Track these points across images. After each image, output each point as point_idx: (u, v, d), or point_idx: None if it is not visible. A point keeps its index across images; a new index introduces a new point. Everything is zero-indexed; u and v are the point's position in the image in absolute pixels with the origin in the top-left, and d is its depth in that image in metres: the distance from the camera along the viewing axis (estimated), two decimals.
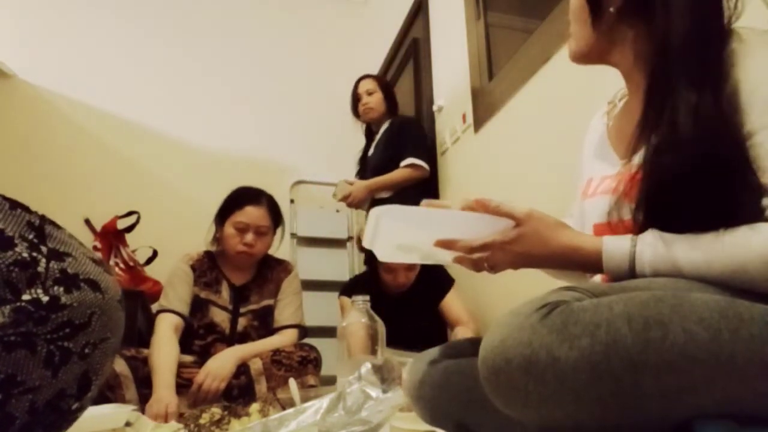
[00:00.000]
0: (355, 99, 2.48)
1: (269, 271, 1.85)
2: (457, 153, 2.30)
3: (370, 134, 2.55)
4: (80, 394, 0.48)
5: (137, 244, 2.56)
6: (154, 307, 1.79)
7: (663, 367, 0.48)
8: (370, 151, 2.46)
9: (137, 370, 1.52)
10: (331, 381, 1.48)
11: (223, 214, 1.78)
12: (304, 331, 1.83)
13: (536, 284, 0.88)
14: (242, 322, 1.74)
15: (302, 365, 1.63)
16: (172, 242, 2.34)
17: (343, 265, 3.31)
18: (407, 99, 2.97)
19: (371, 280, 2.03)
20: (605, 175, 0.80)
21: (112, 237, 2.49)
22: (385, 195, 2.27)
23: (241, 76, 3.45)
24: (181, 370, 1.59)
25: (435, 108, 2.51)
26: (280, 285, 1.83)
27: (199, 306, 1.72)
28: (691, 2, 0.67)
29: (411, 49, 2.90)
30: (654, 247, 0.63)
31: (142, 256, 2.54)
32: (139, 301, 2.19)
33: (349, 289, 2.06)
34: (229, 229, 1.74)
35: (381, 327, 1.14)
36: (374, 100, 2.43)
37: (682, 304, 0.50)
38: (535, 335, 0.51)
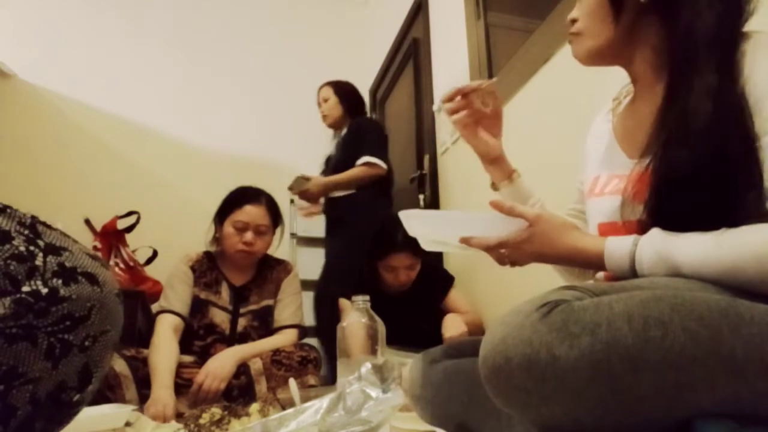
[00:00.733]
0: (318, 106, 2.56)
1: (269, 272, 1.85)
2: (457, 153, 2.30)
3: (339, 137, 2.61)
4: (81, 387, 0.48)
5: (137, 244, 2.56)
6: (154, 308, 1.79)
7: (663, 366, 0.48)
8: (333, 152, 2.54)
9: (137, 370, 1.51)
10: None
11: (222, 214, 1.78)
12: (304, 331, 1.83)
13: (534, 283, 0.88)
14: (242, 322, 1.74)
15: (302, 365, 1.63)
16: (172, 242, 2.34)
17: None
18: (407, 99, 2.97)
19: (371, 281, 2.02)
20: (613, 174, 0.80)
21: (112, 237, 2.49)
22: (341, 193, 2.31)
23: (241, 76, 3.45)
24: (181, 371, 1.59)
25: (435, 108, 2.51)
26: (279, 285, 1.83)
27: (198, 307, 1.72)
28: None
29: (411, 49, 2.90)
30: (654, 247, 0.64)
31: (142, 256, 2.54)
32: (139, 301, 2.19)
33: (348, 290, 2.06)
34: (228, 228, 1.74)
35: (381, 327, 1.14)
36: (328, 107, 2.49)
37: (683, 303, 0.51)
38: (535, 334, 0.51)
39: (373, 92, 3.68)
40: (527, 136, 1.76)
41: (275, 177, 3.16)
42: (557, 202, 1.02)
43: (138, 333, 2.06)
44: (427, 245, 0.89)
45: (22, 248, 0.45)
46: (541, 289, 0.57)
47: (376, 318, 1.14)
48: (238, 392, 1.57)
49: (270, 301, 1.80)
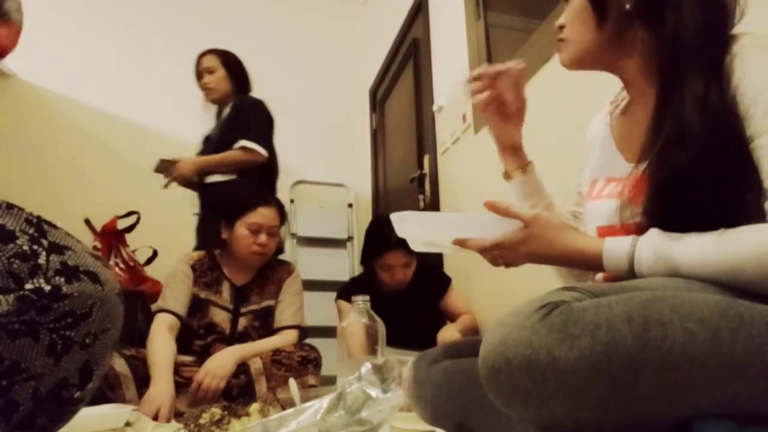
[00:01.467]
0: (198, 78, 2.24)
1: (270, 272, 1.85)
2: (457, 153, 2.30)
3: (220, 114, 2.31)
4: (82, 384, 0.49)
5: (137, 244, 2.56)
6: (154, 308, 1.79)
7: (663, 366, 0.48)
8: (212, 132, 2.27)
9: (137, 370, 1.52)
10: (331, 381, 1.48)
11: (233, 216, 1.78)
12: (305, 332, 1.83)
13: (533, 284, 0.88)
14: (243, 322, 1.74)
15: (302, 365, 1.63)
16: (172, 242, 2.34)
17: (343, 265, 3.31)
18: (407, 99, 2.97)
19: (369, 282, 2.03)
20: (611, 177, 0.80)
21: (112, 237, 2.49)
22: (221, 178, 2.10)
23: None
24: (181, 370, 1.59)
25: (435, 108, 2.51)
26: (281, 286, 1.83)
27: (198, 306, 1.72)
28: (700, 3, 0.67)
29: (411, 49, 2.90)
30: (652, 247, 0.64)
31: (142, 256, 2.54)
32: (139, 301, 2.19)
33: (346, 291, 2.06)
34: (241, 230, 1.74)
35: (381, 327, 1.14)
36: (215, 80, 2.19)
37: (683, 303, 0.51)
38: (535, 335, 0.51)
39: (373, 92, 3.68)
40: (527, 136, 1.76)
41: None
42: (557, 202, 1.02)
43: (138, 333, 2.06)
44: (417, 246, 0.88)
45: (25, 247, 0.45)
46: (540, 290, 0.57)
47: (376, 318, 1.14)
48: (238, 392, 1.57)
49: (271, 302, 1.80)
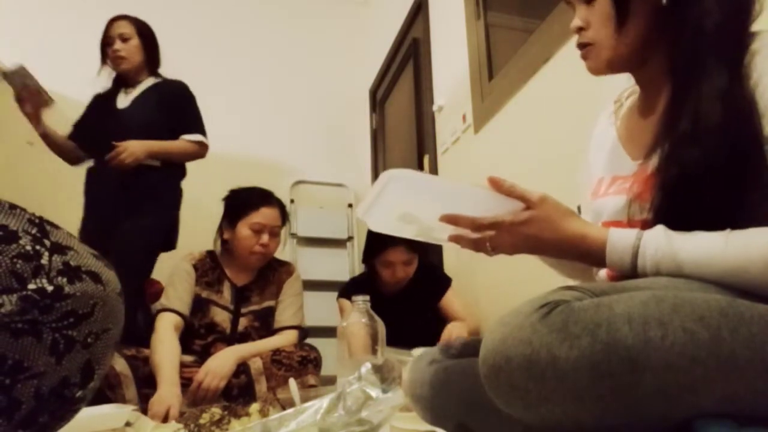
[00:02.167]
0: (105, 43, 2.06)
1: (271, 272, 1.85)
2: (457, 153, 2.30)
3: (120, 84, 2.11)
4: (83, 383, 0.50)
5: None
6: (156, 307, 1.79)
7: (663, 366, 0.48)
8: (125, 104, 2.04)
9: (137, 370, 1.52)
10: (331, 381, 1.48)
11: (235, 216, 1.78)
12: (305, 332, 1.84)
13: (533, 284, 0.88)
14: (243, 322, 1.74)
15: (302, 365, 1.63)
16: None
17: (343, 265, 3.31)
18: (407, 99, 2.97)
19: (369, 281, 2.03)
20: (617, 175, 0.79)
21: None
22: (152, 163, 1.94)
23: (240, 76, 3.45)
24: (181, 370, 1.59)
25: (435, 108, 2.52)
26: (281, 286, 1.83)
27: (199, 305, 1.72)
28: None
29: (411, 49, 2.91)
30: (658, 243, 0.63)
31: None
32: (139, 300, 2.19)
33: (347, 290, 2.06)
34: (244, 230, 1.74)
35: (381, 327, 1.14)
36: (129, 49, 2.00)
37: (683, 303, 0.51)
38: (535, 334, 0.51)
39: (373, 92, 3.68)
40: (527, 136, 1.76)
41: (275, 177, 3.17)
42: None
43: (138, 332, 2.06)
44: (382, 225, 0.77)
45: (28, 247, 0.46)
46: (540, 290, 0.57)
47: (376, 318, 1.14)
48: (238, 392, 1.57)
49: (272, 302, 1.80)
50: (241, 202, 1.80)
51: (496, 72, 1.99)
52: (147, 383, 1.49)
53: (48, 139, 2.08)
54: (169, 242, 2.00)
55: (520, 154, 1.80)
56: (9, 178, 2.78)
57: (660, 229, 0.64)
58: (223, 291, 1.77)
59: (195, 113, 2.08)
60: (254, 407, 1.13)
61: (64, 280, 0.47)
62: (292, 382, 1.29)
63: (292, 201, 3.30)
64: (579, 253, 0.71)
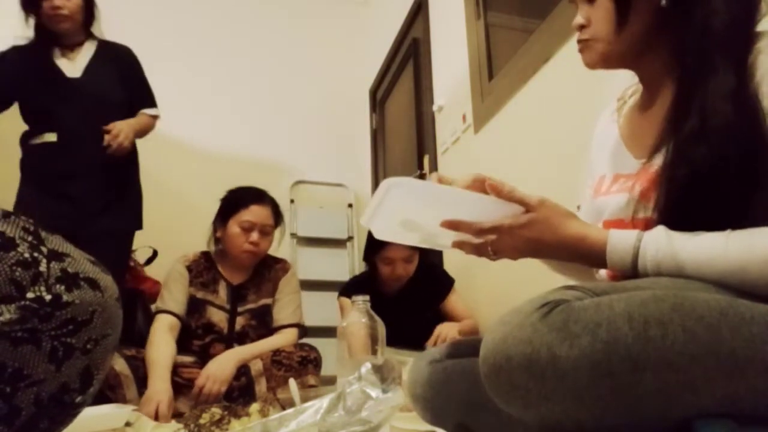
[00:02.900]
0: None
1: (267, 270, 1.85)
2: (457, 153, 2.30)
3: (49, 41, 1.86)
4: (83, 389, 0.50)
5: (137, 244, 2.55)
6: (154, 308, 1.80)
7: (663, 365, 0.48)
8: (74, 73, 1.84)
9: (137, 370, 1.52)
10: (331, 381, 1.48)
11: (226, 214, 1.78)
12: (304, 330, 1.83)
13: (533, 284, 0.88)
14: (240, 321, 1.74)
15: (302, 365, 1.63)
16: (172, 242, 2.34)
17: (343, 265, 3.31)
18: (407, 99, 2.97)
19: (370, 281, 2.03)
20: (619, 173, 0.79)
21: None
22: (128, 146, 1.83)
23: (241, 76, 3.45)
24: (181, 371, 1.59)
25: (435, 108, 2.52)
26: (278, 284, 1.83)
27: (196, 306, 1.72)
28: None
29: (411, 49, 2.91)
30: (658, 243, 0.63)
31: (142, 256, 2.53)
32: (139, 301, 2.19)
33: (348, 289, 2.06)
34: (234, 228, 1.74)
35: (381, 327, 1.14)
36: (72, 6, 1.80)
37: (683, 303, 0.51)
38: (535, 333, 0.51)
39: (373, 92, 3.69)
40: (527, 137, 1.76)
41: (275, 177, 3.18)
42: (558, 201, 1.02)
43: (138, 333, 2.06)
44: (385, 232, 0.78)
45: (26, 254, 0.46)
46: (541, 290, 0.57)
47: (376, 318, 1.14)
48: (238, 393, 1.57)
49: (268, 300, 1.80)
50: (233, 200, 1.80)
51: (496, 72, 1.98)
52: (147, 383, 1.49)
53: None
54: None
55: (520, 154, 1.80)
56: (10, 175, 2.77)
57: (661, 229, 0.64)
58: (218, 291, 1.77)
59: (148, 84, 1.98)
60: (254, 407, 1.13)
61: (63, 287, 0.47)
62: (292, 382, 1.29)
63: (292, 201, 3.30)
64: (579, 255, 0.71)
